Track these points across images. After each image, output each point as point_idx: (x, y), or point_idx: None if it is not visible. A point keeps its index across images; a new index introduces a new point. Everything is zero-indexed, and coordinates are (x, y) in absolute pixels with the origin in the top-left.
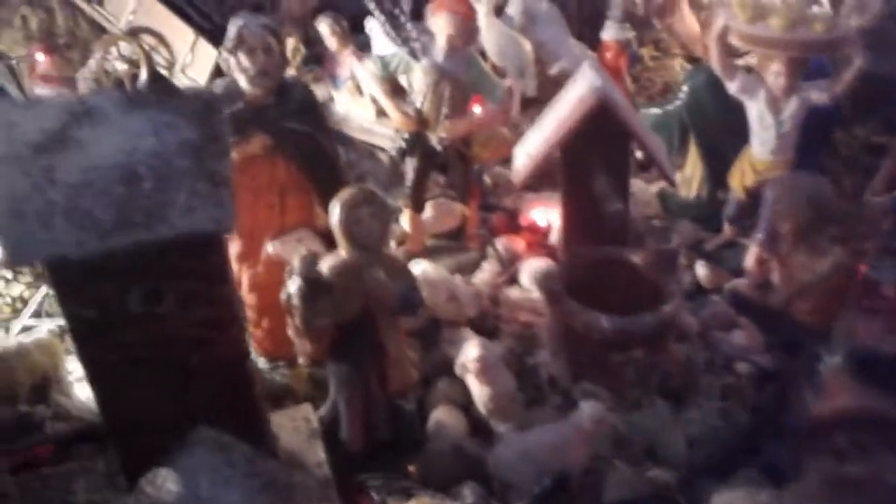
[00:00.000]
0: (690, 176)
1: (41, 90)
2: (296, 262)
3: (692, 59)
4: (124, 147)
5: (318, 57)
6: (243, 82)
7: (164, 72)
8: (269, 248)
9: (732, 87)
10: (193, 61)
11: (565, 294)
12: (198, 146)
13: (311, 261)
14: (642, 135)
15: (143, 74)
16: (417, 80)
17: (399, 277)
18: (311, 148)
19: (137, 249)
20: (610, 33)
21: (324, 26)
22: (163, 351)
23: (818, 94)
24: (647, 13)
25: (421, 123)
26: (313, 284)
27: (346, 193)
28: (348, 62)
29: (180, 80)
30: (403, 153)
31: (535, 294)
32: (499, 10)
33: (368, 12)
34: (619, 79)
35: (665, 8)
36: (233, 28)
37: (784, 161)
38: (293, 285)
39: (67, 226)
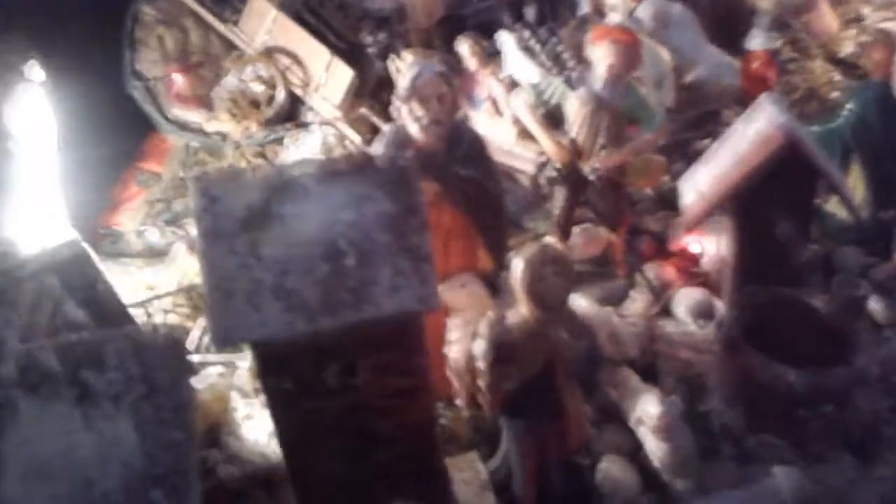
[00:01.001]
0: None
1: (178, 111)
2: (483, 327)
3: (833, 60)
4: (325, 221)
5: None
6: (414, 130)
7: (299, 92)
8: None
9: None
10: (328, 81)
11: (745, 343)
12: (396, 219)
13: (498, 324)
14: (829, 171)
15: (280, 95)
16: (573, 109)
17: (581, 335)
18: (478, 194)
19: (343, 330)
20: (758, 42)
21: (464, 47)
22: (354, 418)
23: None
24: (783, 12)
25: (575, 154)
26: (501, 348)
27: (530, 252)
28: (487, 82)
29: (315, 100)
30: (554, 182)
31: (693, 327)
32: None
33: (498, 25)
34: (768, 90)
35: (802, 5)
36: (407, 77)
37: None
38: (479, 348)
39: (276, 306)
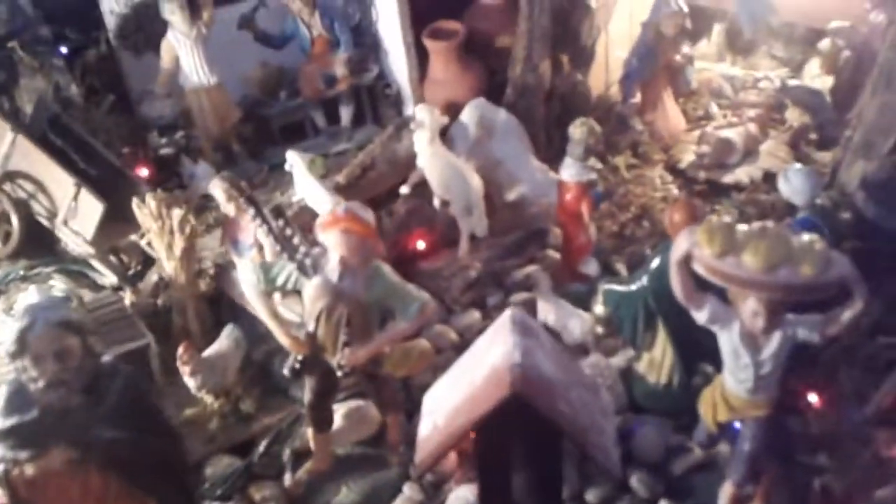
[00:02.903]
0: (660, 360)
1: None
2: None
3: (674, 170)
4: None
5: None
6: (34, 390)
7: (46, 223)
8: None
9: (700, 318)
10: (77, 212)
11: None
12: None
13: None
14: (577, 429)
15: (16, 230)
16: (308, 300)
17: None
18: (134, 456)
19: None
20: (569, 172)
21: (218, 192)
22: None
23: (807, 333)
24: (624, 112)
25: (315, 348)
26: None
27: None
28: (251, 228)
29: (64, 233)
30: (297, 373)
31: None
32: (443, 131)
33: (307, 127)
34: (579, 227)
35: (645, 103)
36: (12, 329)
37: (765, 401)
38: None
39: None
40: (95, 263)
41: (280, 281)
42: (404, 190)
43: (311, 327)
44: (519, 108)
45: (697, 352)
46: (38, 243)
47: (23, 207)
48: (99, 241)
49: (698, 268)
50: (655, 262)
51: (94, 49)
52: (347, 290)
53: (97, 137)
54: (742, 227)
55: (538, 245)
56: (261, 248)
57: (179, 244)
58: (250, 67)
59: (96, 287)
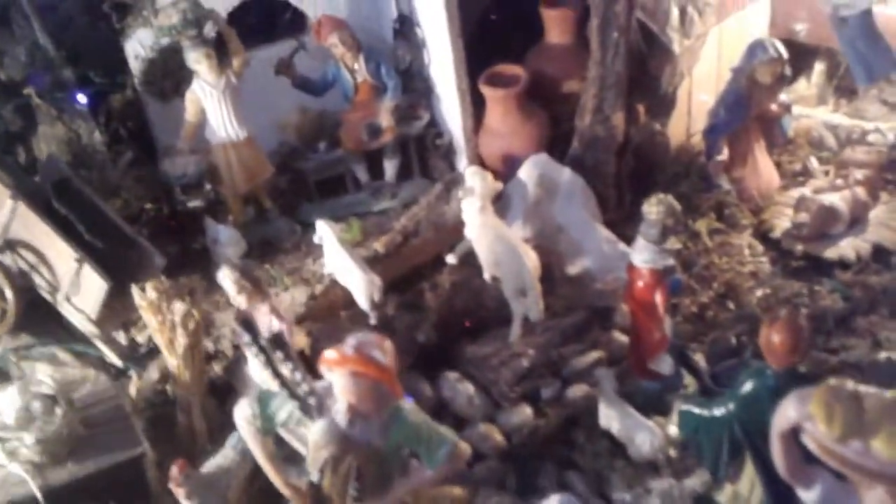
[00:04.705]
0: (747, 496)
1: None
2: None
3: (764, 238)
4: None
5: None
6: None
7: (48, 297)
8: None
9: (807, 498)
10: (80, 289)
11: None
12: None
13: None
14: None
15: (11, 305)
16: (313, 446)
17: None
18: None
19: None
20: (642, 258)
21: (227, 282)
22: None
23: None
24: (709, 170)
25: (319, 501)
26: None
27: None
28: (266, 321)
29: (66, 310)
30: None
31: None
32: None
33: (348, 182)
34: (652, 320)
35: (733, 158)
36: None
37: None
38: None
39: None
40: (99, 344)
41: (281, 418)
42: (451, 259)
43: (314, 477)
44: (586, 162)
45: (787, 491)
46: (48, 315)
47: (23, 280)
48: (106, 318)
49: (809, 444)
50: (747, 388)
51: (120, 94)
52: (359, 438)
53: (117, 195)
54: (871, 398)
55: (602, 327)
56: None
57: (182, 341)
58: (288, 112)
59: (104, 366)
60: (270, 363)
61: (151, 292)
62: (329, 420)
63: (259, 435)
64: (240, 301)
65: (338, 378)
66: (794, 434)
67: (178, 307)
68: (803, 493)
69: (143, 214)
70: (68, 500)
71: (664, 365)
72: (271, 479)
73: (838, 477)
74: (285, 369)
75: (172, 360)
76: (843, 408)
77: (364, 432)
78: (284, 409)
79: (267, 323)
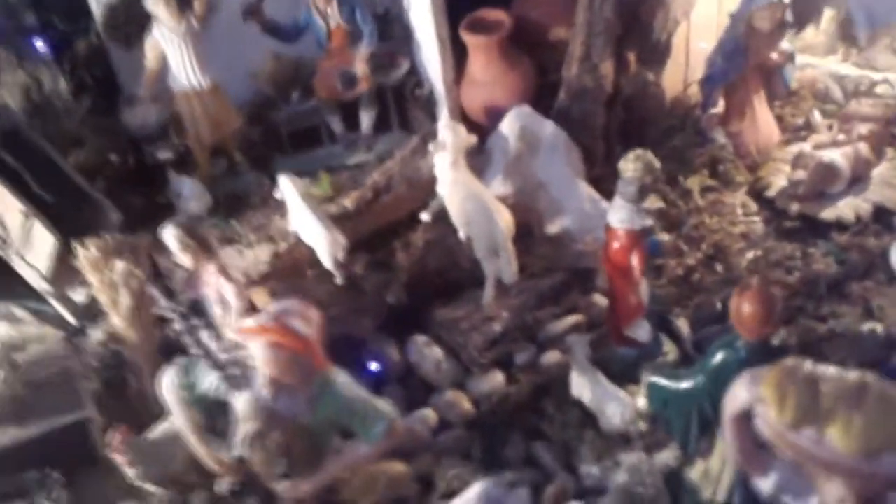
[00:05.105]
0: (718, 473)
1: None
2: None
3: (759, 197)
4: None
5: None
6: None
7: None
8: None
9: (763, 487)
10: (30, 245)
11: None
12: None
13: None
14: None
15: None
16: (238, 418)
17: None
18: None
19: None
20: (618, 217)
21: (172, 240)
22: None
23: None
24: (704, 123)
25: (248, 475)
26: None
27: None
28: (213, 281)
29: (21, 267)
30: (236, 495)
31: None
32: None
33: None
34: (627, 284)
35: (730, 110)
36: None
37: None
38: None
39: None
40: (53, 301)
41: (203, 387)
42: (425, 217)
43: (241, 451)
44: (574, 114)
45: None
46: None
47: None
48: (63, 275)
49: (763, 429)
50: (716, 360)
51: (85, 40)
52: (284, 412)
53: (80, 146)
54: (829, 382)
55: (582, 290)
56: (226, 305)
57: (125, 301)
58: (261, 60)
59: (64, 325)
60: (191, 330)
61: (92, 250)
62: (253, 393)
63: (182, 403)
64: (185, 259)
65: (257, 349)
66: (746, 417)
67: (119, 266)
68: (759, 481)
69: (106, 166)
70: (9, 465)
71: (641, 331)
72: (194, 451)
73: (796, 466)
74: (206, 337)
75: (117, 321)
76: (797, 391)
77: (289, 406)
78: (207, 379)
79: (214, 283)
